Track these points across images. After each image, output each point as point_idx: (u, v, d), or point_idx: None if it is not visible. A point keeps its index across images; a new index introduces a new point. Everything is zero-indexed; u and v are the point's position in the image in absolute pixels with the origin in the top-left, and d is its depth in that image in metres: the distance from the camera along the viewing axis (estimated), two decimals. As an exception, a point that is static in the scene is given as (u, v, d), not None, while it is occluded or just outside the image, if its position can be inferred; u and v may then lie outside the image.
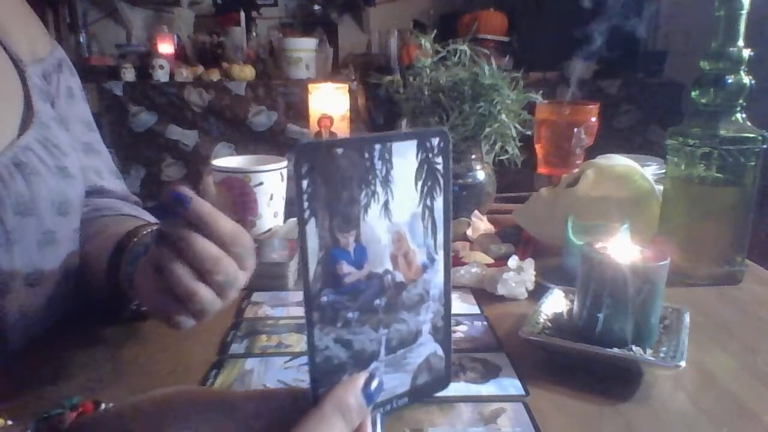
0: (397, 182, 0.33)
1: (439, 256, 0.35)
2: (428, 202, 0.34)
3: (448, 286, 0.36)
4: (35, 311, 0.63)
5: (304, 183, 0.29)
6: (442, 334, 0.37)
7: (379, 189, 0.32)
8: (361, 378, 0.32)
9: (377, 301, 0.33)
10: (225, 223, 0.48)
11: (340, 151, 0.30)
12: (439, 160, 0.34)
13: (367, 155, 0.31)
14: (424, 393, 0.37)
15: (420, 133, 0.34)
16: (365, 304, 0.33)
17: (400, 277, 0.34)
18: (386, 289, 0.34)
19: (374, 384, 0.33)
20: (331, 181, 0.30)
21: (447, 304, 0.36)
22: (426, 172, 0.34)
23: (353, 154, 0.31)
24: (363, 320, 0.33)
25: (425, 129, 0.34)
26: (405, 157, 0.33)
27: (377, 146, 0.32)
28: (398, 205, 0.33)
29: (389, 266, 0.34)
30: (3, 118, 0.64)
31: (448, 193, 0.35)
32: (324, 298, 0.31)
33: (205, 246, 0.47)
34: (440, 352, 0.37)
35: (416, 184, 0.33)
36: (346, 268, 0.32)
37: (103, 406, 0.38)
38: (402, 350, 0.35)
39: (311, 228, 0.30)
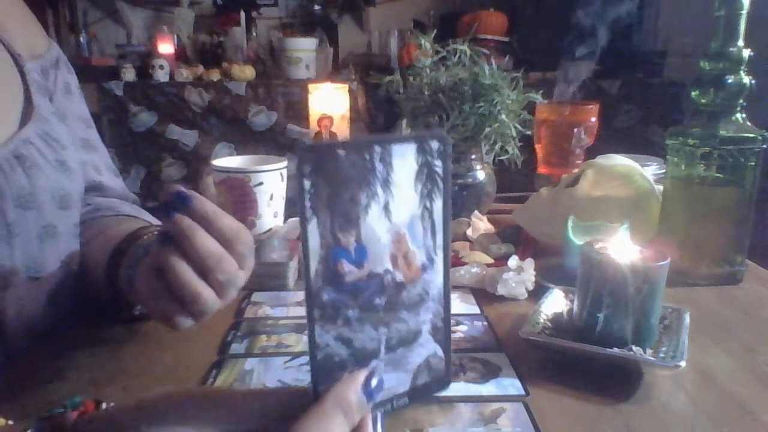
0: (397, 184, 0.33)
1: (439, 257, 0.36)
2: (428, 204, 0.35)
3: (448, 287, 0.37)
4: (35, 306, 0.63)
5: (307, 183, 0.30)
6: (442, 335, 0.37)
7: (379, 190, 0.33)
8: (362, 375, 0.33)
9: (377, 300, 0.34)
10: (227, 221, 0.49)
11: (342, 152, 0.31)
12: (439, 163, 0.34)
13: (367, 157, 0.32)
14: (424, 393, 0.37)
15: (419, 136, 0.34)
16: (365, 302, 0.33)
17: (400, 276, 0.34)
18: (386, 288, 0.34)
19: (374, 381, 0.33)
20: (332, 181, 0.31)
21: (447, 306, 0.37)
22: (426, 175, 0.34)
23: (354, 155, 0.31)
24: (363, 319, 0.33)
25: (424, 132, 0.34)
26: (404, 160, 0.33)
27: (377, 148, 0.32)
28: (398, 207, 0.33)
29: (389, 266, 0.34)
30: (3, 112, 0.64)
31: (447, 195, 0.35)
32: (325, 296, 0.32)
33: (207, 243, 0.47)
34: (440, 353, 0.37)
35: (416, 186, 0.34)
36: (346, 266, 0.32)
37: (104, 405, 0.38)
38: (402, 349, 0.35)
39: (313, 227, 0.31)
